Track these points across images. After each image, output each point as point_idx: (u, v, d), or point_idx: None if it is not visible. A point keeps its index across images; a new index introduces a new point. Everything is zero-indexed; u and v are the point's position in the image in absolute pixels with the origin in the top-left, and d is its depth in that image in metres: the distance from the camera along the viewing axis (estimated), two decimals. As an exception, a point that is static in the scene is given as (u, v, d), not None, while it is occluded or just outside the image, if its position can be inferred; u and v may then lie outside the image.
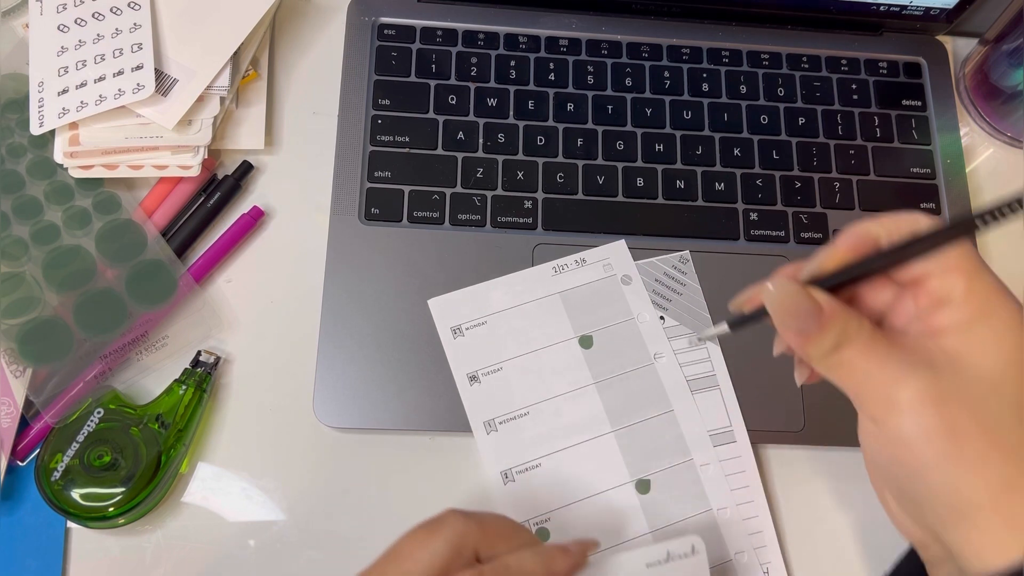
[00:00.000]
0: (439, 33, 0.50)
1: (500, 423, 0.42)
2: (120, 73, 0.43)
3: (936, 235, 0.29)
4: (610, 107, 0.50)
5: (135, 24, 0.44)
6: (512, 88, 0.49)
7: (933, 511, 0.29)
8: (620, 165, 0.49)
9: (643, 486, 0.41)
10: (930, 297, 0.30)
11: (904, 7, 0.51)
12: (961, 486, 0.28)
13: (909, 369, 0.29)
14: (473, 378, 0.42)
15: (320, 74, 0.50)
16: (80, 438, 0.40)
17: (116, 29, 0.44)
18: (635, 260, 0.46)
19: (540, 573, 0.32)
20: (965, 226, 0.29)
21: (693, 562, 0.38)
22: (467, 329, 0.43)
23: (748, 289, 0.32)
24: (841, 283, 0.30)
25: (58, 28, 0.44)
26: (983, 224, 0.28)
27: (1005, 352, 0.28)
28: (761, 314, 0.31)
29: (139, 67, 0.43)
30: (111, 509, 0.39)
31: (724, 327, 0.33)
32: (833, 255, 0.31)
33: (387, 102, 0.48)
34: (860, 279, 0.31)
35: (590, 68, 0.51)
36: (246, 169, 0.47)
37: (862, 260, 0.30)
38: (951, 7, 0.51)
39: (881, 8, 0.52)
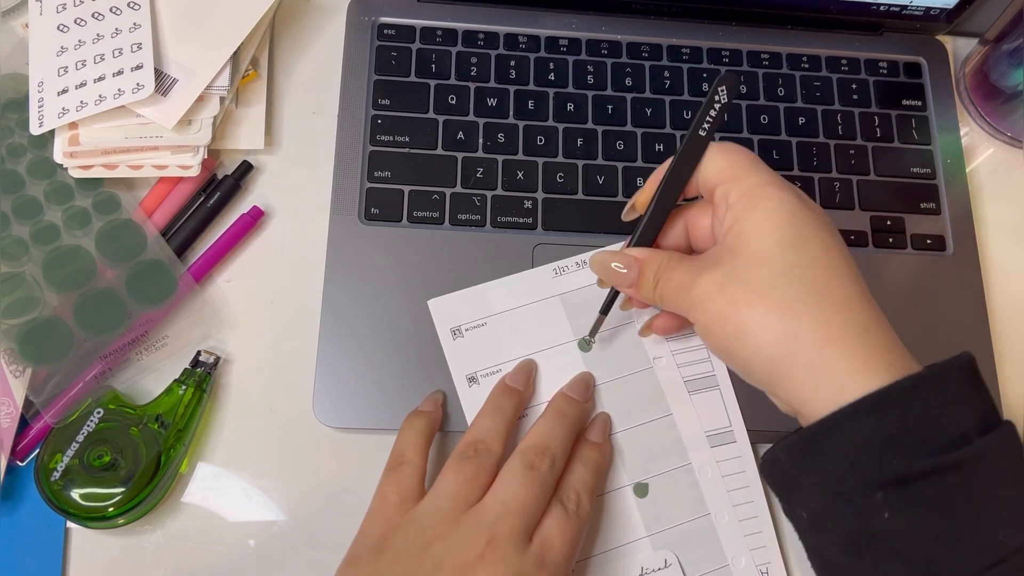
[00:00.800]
0: (439, 33, 0.50)
1: None
2: (120, 73, 0.43)
3: (677, 156, 0.36)
4: (610, 107, 0.50)
5: (135, 24, 0.44)
6: (512, 88, 0.49)
7: (757, 377, 0.34)
8: (620, 165, 0.49)
9: (641, 489, 0.41)
10: (718, 206, 0.35)
11: (904, 7, 0.51)
12: (759, 349, 0.32)
13: (699, 271, 0.34)
14: (472, 379, 0.42)
15: (320, 74, 0.50)
16: (80, 438, 0.40)
17: (116, 29, 0.44)
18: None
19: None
20: (693, 139, 0.36)
21: (667, 575, 0.39)
22: (467, 330, 0.43)
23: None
24: (654, 230, 0.38)
25: (58, 28, 0.44)
26: (705, 132, 0.36)
27: (772, 231, 0.33)
28: (613, 292, 0.40)
29: (139, 67, 0.43)
30: (111, 509, 0.39)
31: (598, 316, 0.40)
32: (640, 195, 0.38)
33: (387, 102, 0.48)
34: (661, 220, 0.38)
35: (590, 68, 0.51)
36: (246, 169, 0.47)
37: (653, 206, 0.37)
38: (951, 7, 0.51)
39: (881, 8, 0.52)
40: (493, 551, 0.33)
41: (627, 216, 0.39)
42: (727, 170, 0.35)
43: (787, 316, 0.32)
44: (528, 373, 0.41)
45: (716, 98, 0.37)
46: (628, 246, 0.38)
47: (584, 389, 0.41)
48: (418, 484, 0.37)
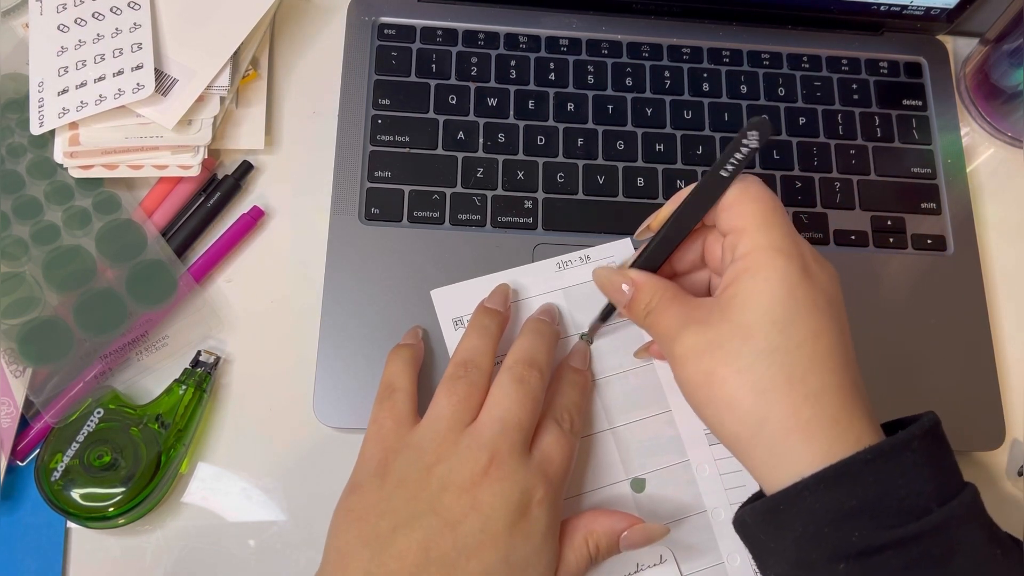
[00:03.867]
0: (439, 33, 0.50)
1: None
2: (120, 73, 0.43)
3: (695, 192, 0.35)
4: (610, 107, 0.50)
5: (135, 24, 0.44)
6: (512, 88, 0.49)
7: (722, 441, 0.34)
8: (620, 165, 0.49)
9: (638, 484, 0.41)
10: (725, 252, 0.35)
11: (905, 7, 0.51)
12: (724, 423, 0.33)
13: (686, 326, 0.33)
14: None
15: (320, 74, 0.50)
16: (80, 438, 0.40)
17: (116, 29, 0.44)
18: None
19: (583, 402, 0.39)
20: (713, 177, 0.35)
21: (662, 571, 0.39)
22: (468, 321, 0.43)
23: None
24: (661, 256, 0.37)
25: (58, 28, 0.44)
26: (727, 174, 0.34)
27: (762, 303, 0.32)
28: (610, 305, 0.40)
29: (139, 67, 0.43)
30: (111, 509, 0.39)
31: (596, 322, 0.41)
32: (656, 217, 0.38)
33: (387, 102, 0.48)
34: (669, 249, 0.37)
35: (590, 68, 0.50)
36: (246, 169, 0.47)
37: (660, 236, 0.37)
38: (952, 7, 0.51)
39: (882, 8, 0.52)
40: (497, 467, 0.34)
41: (640, 235, 0.39)
42: (739, 220, 0.34)
43: (758, 401, 0.31)
44: (504, 295, 0.41)
45: (744, 142, 0.35)
46: (633, 265, 0.37)
47: (552, 312, 0.42)
48: (411, 408, 0.37)
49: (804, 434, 0.31)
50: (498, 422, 0.35)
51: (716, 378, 0.32)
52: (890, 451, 0.30)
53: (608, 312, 0.40)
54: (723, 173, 0.35)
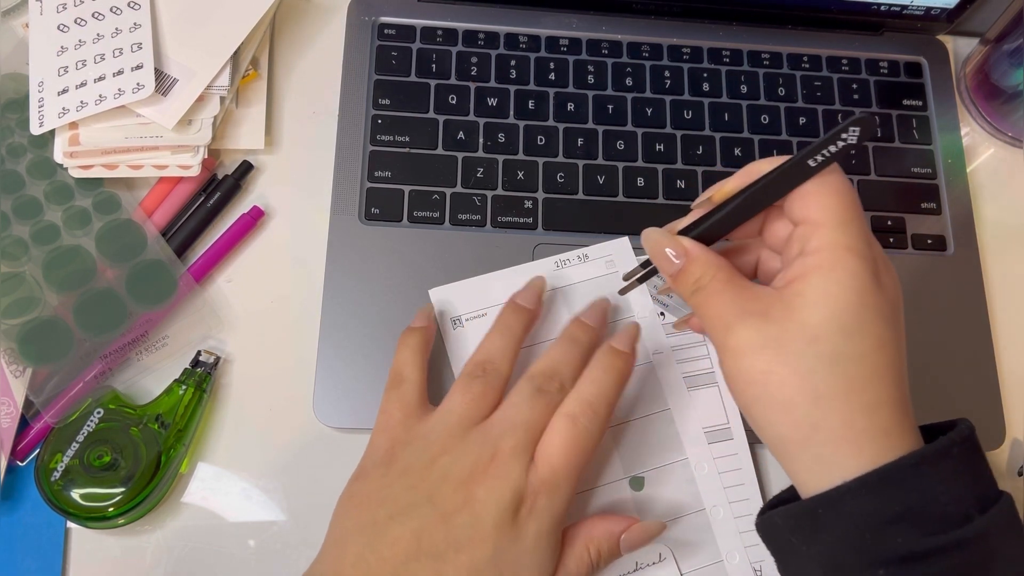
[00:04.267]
0: (439, 33, 0.50)
1: None
2: (120, 73, 0.43)
3: (775, 174, 0.33)
4: (610, 107, 0.50)
5: (135, 24, 0.44)
6: (512, 88, 0.49)
7: (764, 440, 0.33)
8: (621, 165, 0.49)
9: (637, 483, 0.41)
10: (793, 242, 0.33)
11: (905, 7, 0.51)
12: (773, 424, 0.31)
13: (743, 317, 0.32)
14: None
15: (320, 74, 0.50)
16: (80, 438, 0.40)
17: (116, 29, 0.44)
18: (636, 258, 0.46)
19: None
20: (800, 165, 0.32)
21: (661, 569, 0.39)
22: (467, 320, 0.43)
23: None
24: (720, 231, 0.34)
25: (58, 28, 0.44)
26: (815, 164, 0.32)
27: (831, 307, 0.30)
28: (649, 263, 0.37)
29: (139, 67, 0.43)
30: (111, 509, 0.39)
31: (635, 279, 0.38)
32: (721, 190, 0.34)
33: (387, 102, 0.48)
34: (731, 227, 0.34)
35: (590, 68, 0.50)
36: (246, 169, 0.47)
37: (716, 211, 0.34)
38: (952, 7, 0.51)
39: (882, 8, 0.52)
40: (496, 465, 0.34)
41: (698, 206, 0.36)
42: (817, 212, 0.32)
43: (814, 407, 0.30)
44: (538, 292, 0.41)
45: (844, 136, 0.32)
46: (686, 232, 0.35)
47: (600, 315, 0.40)
48: (420, 399, 0.37)
49: (854, 445, 0.30)
50: (507, 421, 0.35)
51: (774, 378, 0.31)
52: (932, 457, 0.30)
53: (649, 273, 0.37)
54: (811, 163, 0.32)
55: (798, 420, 0.31)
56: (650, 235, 0.35)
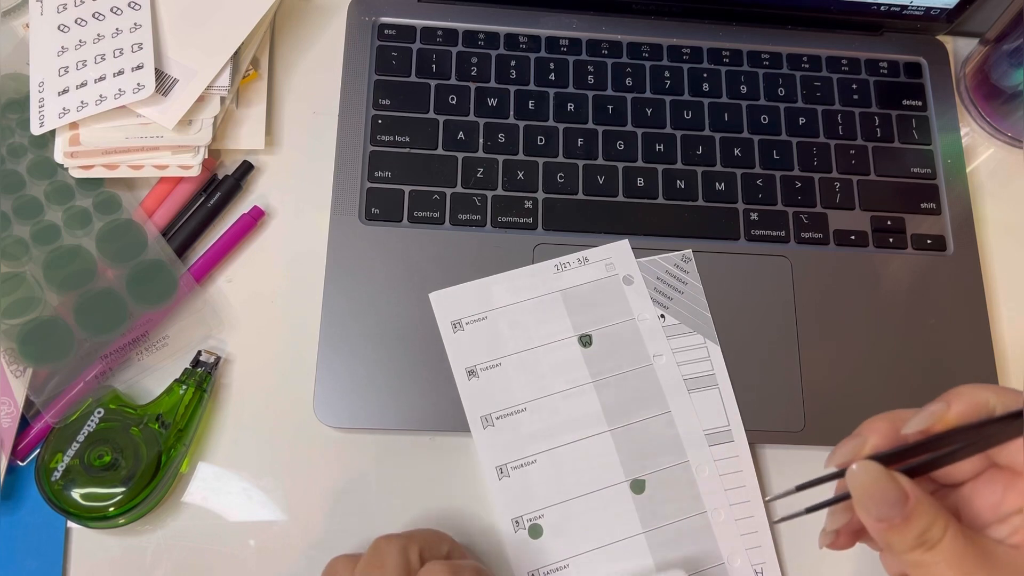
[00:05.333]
0: (439, 33, 0.50)
1: (497, 418, 0.42)
2: (120, 73, 0.43)
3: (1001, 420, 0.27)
4: (610, 107, 0.50)
5: (135, 24, 0.44)
6: (512, 88, 0.49)
7: None
8: (620, 165, 0.49)
9: (638, 486, 0.41)
10: (1007, 495, 0.28)
11: (904, 7, 0.51)
12: None
13: None
14: (471, 373, 0.42)
15: (320, 74, 0.50)
16: (80, 438, 0.40)
17: (116, 29, 0.44)
18: (637, 259, 0.46)
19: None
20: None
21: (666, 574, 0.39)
22: (467, 323, 0.43)
23: (840, 447, 0.31)
24: (936, 466, 0.29)
25: (58, 28, 0.44)
26: None
27: None
28: (842, 497, 0.30)
29: (139, 67, 0.43)
30: (111, 509, 0.39)
31: (802, 512, 0.32)
32: (943, 419, 0.29)
33: (387, 102, 0.48)
34: (949, 463, 0.29)
35: (590, 68, 0.51)
36: (246, 169, 0.47)
37: (946, 434, 0.28)
38: (951, 7, 0.51)
39: (881, 8, 0.52)
40: None
41: (910, 429, 0.29)
42: None
43: None
44: None
45: None
46: (887, 462, 0.29)
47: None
48: None
49: None
50: None
51: None
52: None
53: (828, 503, 0.31)
54: None
55: None
56: (866, 465, 0.28)
